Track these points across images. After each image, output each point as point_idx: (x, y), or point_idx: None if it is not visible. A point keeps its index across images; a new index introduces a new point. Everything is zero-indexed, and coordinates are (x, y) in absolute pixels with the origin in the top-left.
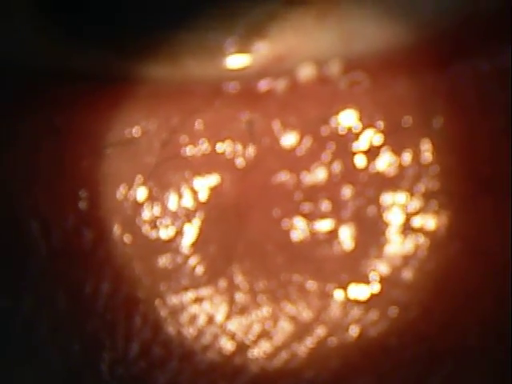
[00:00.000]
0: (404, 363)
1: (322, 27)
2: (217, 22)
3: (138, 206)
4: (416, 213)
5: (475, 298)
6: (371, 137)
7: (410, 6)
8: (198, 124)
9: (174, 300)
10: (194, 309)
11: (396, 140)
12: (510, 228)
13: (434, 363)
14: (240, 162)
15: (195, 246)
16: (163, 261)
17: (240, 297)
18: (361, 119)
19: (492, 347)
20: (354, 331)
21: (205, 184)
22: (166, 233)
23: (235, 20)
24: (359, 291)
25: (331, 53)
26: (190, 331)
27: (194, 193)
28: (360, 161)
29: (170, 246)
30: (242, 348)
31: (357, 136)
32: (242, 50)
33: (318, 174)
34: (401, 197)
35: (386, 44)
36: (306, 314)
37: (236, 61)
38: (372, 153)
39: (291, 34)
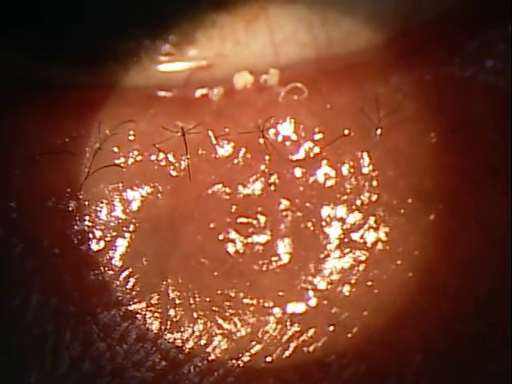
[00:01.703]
0: (343, 382)
1: (251, 33)
2: (147, 30)
3: (68, 217)
4: (355, 227)
5: (417, 315)
6: (309, 148)
7: (344, 11)
8: (131, 133)
9: (105, 314)
10: (126, 324)
11: (335, 152)
12: (452, 245)
13: (375, 383)
14: (174, 172)
15: (127, 259)
16: (94, 274)
17: (173, 312)
18: (299, 130)
19: (437, 367)
20: (291, 349)
21: (137, 195)
22: (97, 245)
23: (165, 27)
24: (296, 307)
25: (263, 59)
26: (121, 347)
27: (127, 204)
28: (298, 173)
29: (102, 258)
30: (175, 365)
31: (295, 147)
32: (174, 57)
33: (255, 186)
34: (340, 210)
35: (322, 52)
36: (242, 331)
37: (168, 68)
38: (310, 165)
39: (219, 41)
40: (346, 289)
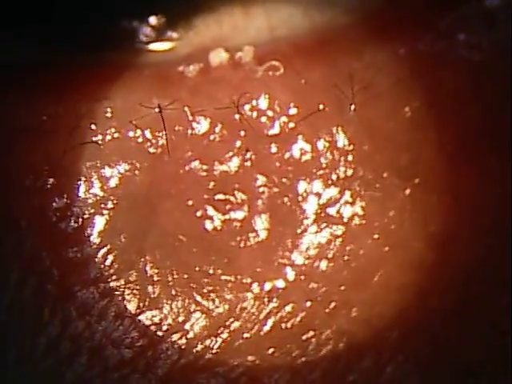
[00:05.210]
0: (322, 358)
1: (249, 18)
2: (132, 8)
3: (46, 195)
4: (332, 201)
5: (394, 290)
6: (285, 123)
7: None
8: (108, 110)
9: (83, 292)
10: (105, 301)
11: (310, 127)
12: (428, 220)
13: (353, 359)
14: (151, 149)
15: (105, 236)
16: (73, 252)
17: (151, 289)
18: (274, 105)
19: (414, 342)
20: (269, 325)
21: (115, 172)
22: (75, 223)
23: (155, 7)
24: (274, 283)
25: (247, 40)
26: (100, 325)
27: (104, 181)
28: (273, 148)
29: (80, 236)
30: (153, 342)
31: (270, 123)
32: (159, 37)
33: (232, 162)
34: (316, 185)
35: (303, 31)
36: (220, 308)
37: (151, 47)
38: (285, 140)
39: (216, 26)
40: (323, 264)
